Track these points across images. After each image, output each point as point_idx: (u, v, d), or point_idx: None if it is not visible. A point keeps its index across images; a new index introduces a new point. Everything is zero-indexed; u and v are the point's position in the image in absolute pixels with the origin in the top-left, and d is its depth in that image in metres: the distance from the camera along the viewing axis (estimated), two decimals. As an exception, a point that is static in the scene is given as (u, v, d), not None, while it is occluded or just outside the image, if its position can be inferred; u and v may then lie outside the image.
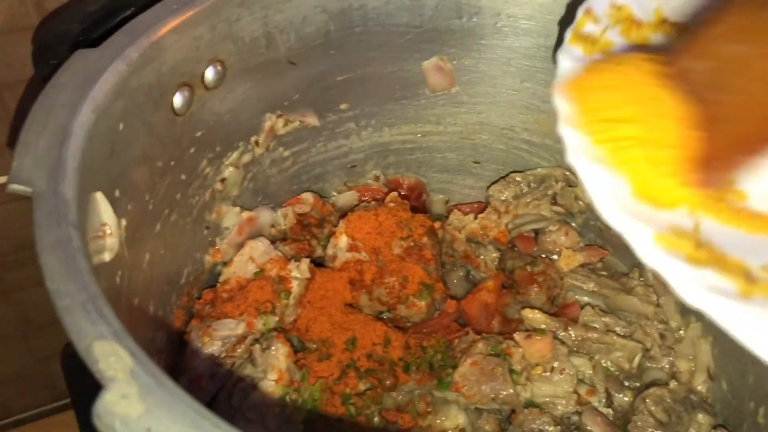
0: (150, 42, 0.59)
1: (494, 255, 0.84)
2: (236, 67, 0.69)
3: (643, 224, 0.44)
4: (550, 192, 0.84)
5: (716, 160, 0.48)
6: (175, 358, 0.72)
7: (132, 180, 0.59)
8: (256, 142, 0.76)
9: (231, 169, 0.74)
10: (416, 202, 0.91)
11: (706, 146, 0.48)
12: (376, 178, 0.89)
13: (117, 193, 0.56)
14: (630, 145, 0.48)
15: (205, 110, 0.68)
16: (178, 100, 0.64)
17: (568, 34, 0.57)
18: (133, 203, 0.59)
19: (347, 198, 0.87)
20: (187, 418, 0.35)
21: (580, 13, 0.56)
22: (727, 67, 0.48)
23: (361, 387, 0.71)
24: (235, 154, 0.75)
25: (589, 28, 0.57)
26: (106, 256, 0.52)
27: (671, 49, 0.53)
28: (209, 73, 0.67)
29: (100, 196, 0.52)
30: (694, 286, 0.41)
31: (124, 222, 0.57)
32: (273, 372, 0.67)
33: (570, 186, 0.84)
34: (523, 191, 0.85)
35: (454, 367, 0.74)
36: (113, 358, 0.37)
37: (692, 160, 0.48)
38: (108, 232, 0.53)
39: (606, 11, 0.59)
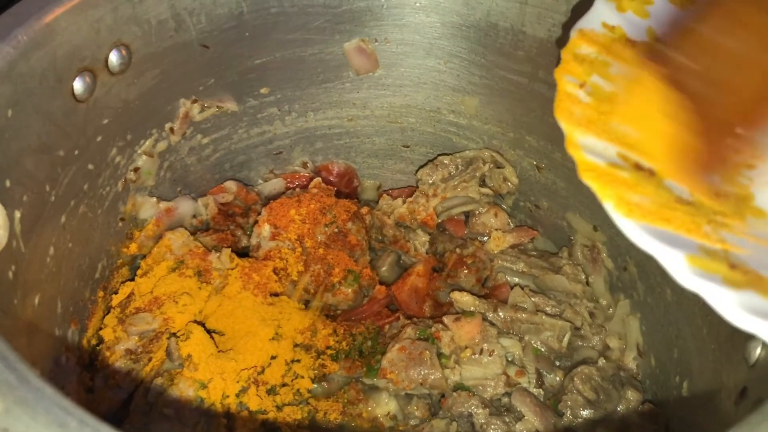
0: (41, 24, 0.56)
1: (424, 239, 0.83)
2: (143, 51, 0.66)
3: (674, 247, 0.43)
4: (478, 174, 0.83)
5: (716, 160, 0.50)
6: (92, 355, 0.69)
7: (27, 169, 0.56)
8: (171, 129, 0.74)
9: (144, 157, 0.72)
10: (347, 189, 0.89)
11: (705, 145, 0.50)
12: (305, 165, 0.87)
13: (8, 183, 0.53)
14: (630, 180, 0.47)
15: (111, 96, 0.65)
16: (78, 86, 0.61)
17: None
18: (29, 194, 0.56)
19: (273, 186, 0.85)
20: (50, 416, 0.33)
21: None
22: (718, 61, 0.51)
23: (287, 377, 0.69)
24: (148, 142, 0.72)
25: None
26: (-7, 250, 0.49)
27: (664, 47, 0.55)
28: (113, 58, 0.64)
29: (-17, 186, 0.49)
30: (740, 310, 0.40)
31: (18, 214, 0.54)
32: (190, 366, 0.65)
33: (498, 167, 0.83)
34: (452, 174, 0.84)
35: (384, 354, 0.73)
36: (-29, 355, 0.35)
37: (695, 166, 0.49)
38: (-5, 224, 0.50)
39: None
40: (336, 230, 0.76)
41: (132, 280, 0.73)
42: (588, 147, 0.47)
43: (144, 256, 0.75)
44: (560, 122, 0.49)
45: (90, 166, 0.65)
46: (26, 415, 0.33)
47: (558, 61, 0.54)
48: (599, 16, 0.56)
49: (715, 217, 0.46)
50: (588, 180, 0.45)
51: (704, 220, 0.45)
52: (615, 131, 0.49)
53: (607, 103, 0.51)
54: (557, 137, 0.56)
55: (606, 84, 0.53)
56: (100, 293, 0.71)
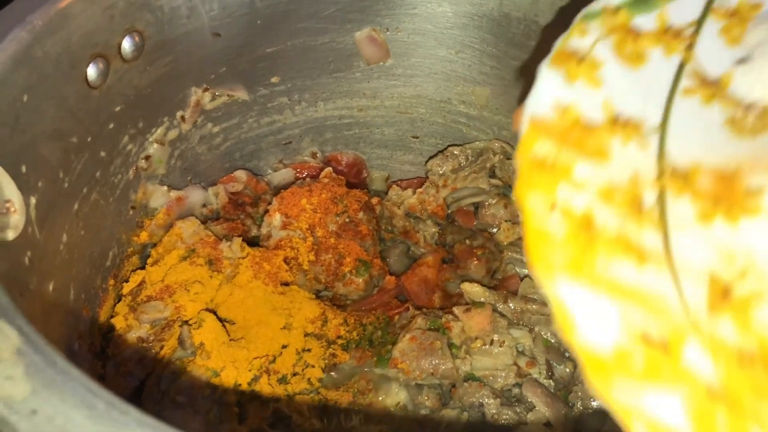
0: (56, 9, 0.56)
1: (433, 230, 0.83)
2: (156, 38, 0.66)
3: None
4: (488, 165, 0.82)
5: None
6: (103, 343, 0.69)
7: (42, 156, 0.56)
8: (182, 118, 0.73)
9: (156, 145, 0.72)
10: (356, 179, 0.89)
11: None
12: (314, 155, 0.87)
13: (23, 168, 0.53)
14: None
15: (124, 83, 0.64)
16: (92, 71, 0.61)
17: (556, 45, 0.51)
18: (44, 180, 0.56)
19: (283, 175, 0.85)
20: (77, 398, 0.33)
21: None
22: None
23: (298, 366, 0.69)
24: (159, 130, 0.72)
25: (577, 42, 0.51)
26: (9, 234, 0.49)
27: None
28: (126, 44, 0.63)
29: (0, 171, 0.49)
30: None
31: (33, 200, 0.54)
32: (203, 354, 0.65)
33: (508, 158, 0.83)
34: (461, 164, 0.83)
35: (394, 344, 0.73)
36: (-2, 337, 0.34)
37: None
38: (12, 209, 0.50)
39: (599, 17, 0.53)
40: (347, 220, 0.76)
41: (142, 268, 0.73)
42: (583, 321, 0.40)
43: (154, 245, 0.74)
44: (542, 282, 0.41)
45: (102, 154, 0.65)
46: (54, 396, 0.33)
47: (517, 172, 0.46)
48: (548, 93, 0.48)
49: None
50: (601, 392, 0.38)
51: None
52: (605, 277, 0.42)
53: (584, 233, 0.43)
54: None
55: (576, 199, 0.44)
56: (111, 281, 0.71)
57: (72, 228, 0.62)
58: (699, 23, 0.54)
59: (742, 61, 0.53)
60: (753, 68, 0.53)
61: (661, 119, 0.50)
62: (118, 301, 0.71)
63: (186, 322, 0.68)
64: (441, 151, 0.85)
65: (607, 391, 0.38)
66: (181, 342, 0.66)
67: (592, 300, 0.41)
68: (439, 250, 0.82)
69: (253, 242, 0.78)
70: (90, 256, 0.67)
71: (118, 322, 0.69)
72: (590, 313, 0.41)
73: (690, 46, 0.53)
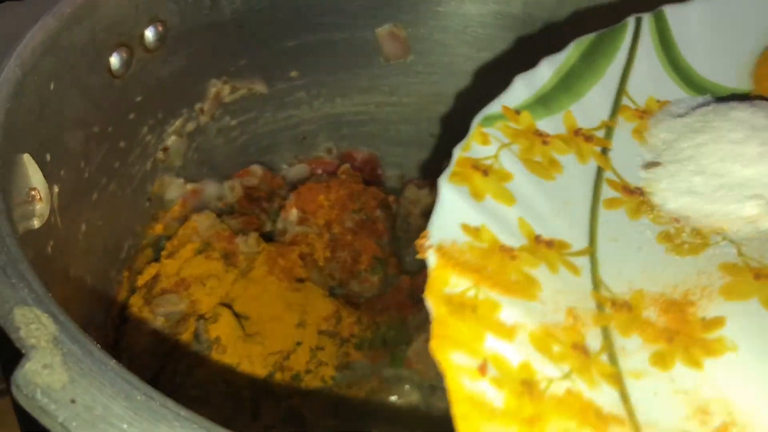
0: (83, -3, 0.55)
1: (449, 229, 0.82)
2: (178, 29, 0.65)
3: None
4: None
5: None
6: (117, 335, 0.68)
7: (65, 144, 0.55)
8: (201, 110, 0.73)
9: (174, 137, 0.71)
10: (370, 177, 0.88)
11: None
12: (329, 151, 0.86)
13: (48, 157, 0.52)
14: None
15: (146, 73, 0.64)
16: (115, 61, 0.60)
17: (454, 155, 0.44)
18: (66, 169, 0.55)
19: (298, 171, 0.84)
20: (116, 388, 0.32)
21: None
22: None
23: (312, 364, 0.69)
24: (178, 122, 0.71)
25: (478, 151, 0.44)
26: (35, 223, 0.48)
27: None
28: (149, 34, 0.63)
29: (28, 159, 0.48)
30: None
31: (56, 188, 0.53)
32: (218, 348, 0.65)
33: (526, 159, 0.82)
34: (479, 164, 0.83)
35: (408, 344, 0.72)
36: (35, 326, 0.34)
37: None
38: (37, 197, 0.49)
39: (499, 120, 0.46)
40: (364, 217, 0.76)
41: (156, 260, 0.72)
42: None
43: (169, 237, 0.74)
44: None
45: (122, 144, 0.65)
46: (92, 386, 0.32)
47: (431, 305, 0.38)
48: (454, 215, 0.41)
49: None
50: None
51: None
52: None
53: (527, 398, 0.34)
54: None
55: (510, 351, 0.36)
56: (125, 273, 0.70)
57: (91, 218, 0.61)
58: (609, 125, 0.50)
59: (652, 165, 0.49)
60: (662, 174, 0.48)
61: (588, 239, 0.43)
62: (132, 293, 0.70)
63: (202, 316, 0.67)
64: (458, 151, 0.84)
65: None
66: (196, 336, 0.66)
67: None
68: (454, 250, 0.82)
69: (267, 237, 0.77)
70: (106, 248, 0.66)
71: (133, 315, 0.68)
72: None
73: (605, 151, 0.48)
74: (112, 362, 0.34)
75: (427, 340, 0.71)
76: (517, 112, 0.48)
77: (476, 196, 0.42)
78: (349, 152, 0.87)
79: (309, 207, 0.75)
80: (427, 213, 0.83)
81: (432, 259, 0.39)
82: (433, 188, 0.84)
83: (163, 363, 0.66)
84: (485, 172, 0.43)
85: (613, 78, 0.52)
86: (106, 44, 0.58)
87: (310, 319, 0.71)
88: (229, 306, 0.69)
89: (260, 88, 0.77)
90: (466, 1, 0.75)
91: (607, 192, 0.46)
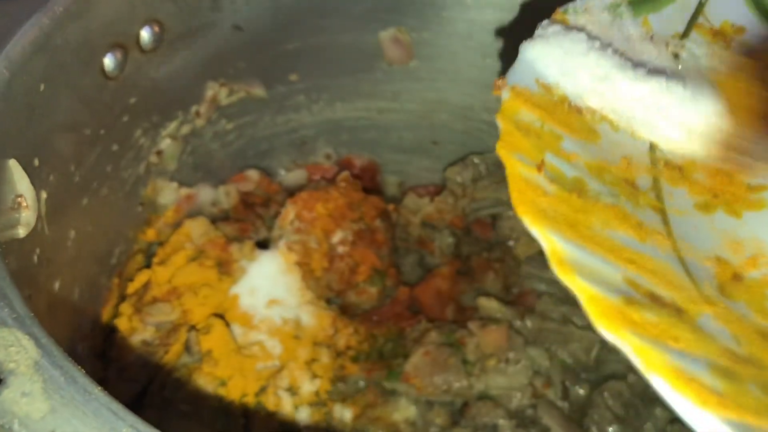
0: (77, -5, 0.53)
1: (450, 240, 0.80)
2: (176, 30, 0.63)
3: None
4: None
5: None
6: (105, 344, 0.66)
7: (55, 148, 0.53)
8: (197, 113, 0.70)
9: (168, 140, 0.69)
10: (370, 183, 0.86)
11: None
12: (328, 157, 0.84)
13: (36, 161, 0.50)
14: None
15: (140, 75, 0.62)
16: (109, 62, 0.58)
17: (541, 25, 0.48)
18: (55, 174, 0.53)
19: (296, 176, 0.82)
20: (100, 419, 0.30)
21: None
22: None
23: (306, 377, 0.67)
24: (173, 125, 0.69)
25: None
26: (21, 232, 0.46)
27: None
28: (145, 34, 0.61)
29: (14, 164, 0.46)
30: None
31: (44, 194, 0.51)
32: (210, 361, 0.62)
33: (529, 169, 0.80)
34: (482, 174, 0.81)
35: (406, 357, 0.70)
36: (15, 348, 0.32)
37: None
38: (24, 204, 0.47)
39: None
40: (363, 227, 0.74)
41: (147, 267, 0.70)
42: (583, 268, 0.35)
43: (161, 243, 0.72)
44: (529, 224, 0.36)
45: (114, 147, 0.62)
46: (75, 417, 0.30)
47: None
48: (532, 69, 0.45)
49: None
50: (610, 332, 0.33)
51: None
52: (603, 239, 0.37)
53: (576, 196, 0.39)
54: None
55: (565, 167, 0.40)
56: (115, 280, 0.68)
57: (80, 224, 0.59)
58: (684, 34, 0.53)
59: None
60: None
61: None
62: (122, 301, 0.68)
63: (193, 326, 0.65)
64: (461, 159, 0.82)
65: (620, 331, 0.34)
66: (187, 348, 0.64)
67: (590, 255, 0.36)
68: (455, 261, 0.80)
69: (263, 245, 0.75)
70: (96, 253, 0.64)
71: (122, 324, 0.66)
72: (589, 263, 0.35)
73: (676, 55, 0.51)
74: (97, 390, 0.31)
75: (425, 354, 0.70)
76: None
77: (553, 59, 0.46)
78: (348, 158, 0.85)
79: (307, 215, 0.73)
80: (426, 223, 0.81)
81: (506, 95, 0.43)
82: (433, 196, 0.83)
83: (153, 375, 0.63)
84: (567, 27, 0.48)
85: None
86: (100, 44, 0.56)
87: (305, 330, 0.69)
88: (221, 317, 0.66)
89: (259, 91, 0.74)
90: (472, 7, 0.73)
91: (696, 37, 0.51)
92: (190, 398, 0.62)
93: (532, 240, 0.80)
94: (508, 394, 0.70)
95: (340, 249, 0.72)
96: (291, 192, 0.80)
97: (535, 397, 0.70)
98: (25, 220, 0.46)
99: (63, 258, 0.56)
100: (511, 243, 0.81)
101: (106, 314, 0.67)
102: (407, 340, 0.73)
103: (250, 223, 0.76)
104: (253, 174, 0.79)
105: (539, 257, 0.80)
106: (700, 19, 0.54)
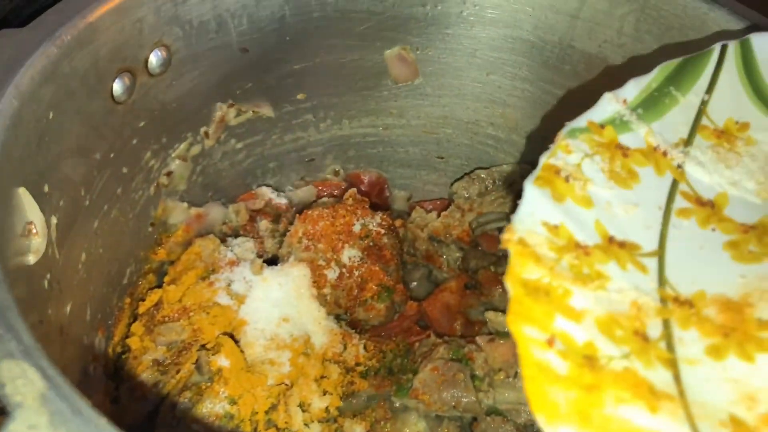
0: (85, 23, 0.54)
1: (457, 254, 0.80)
2: (183, 53, 0.64)
3: None
4: (515, 189, 0.80)
5: None
6: (117, 364, 0.67)
7: (64, 174, 0.54)
8: (206, 133, 0.71)
9: (178, 161, 0.70)
10: (377, 199, 0.87)
11: None
12: (336, 173, 0.85)
13: (46, 188, 0.51)
14: None
15: (149, 98, 0.63)
16: (118, 87, 0.59)
17: (540, 161, 0.47)
18: (65, 199, 0.54)
19: (304, 193, 0.83)
20: (105, 451, 0.31)
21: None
22: None
23: (316, 394, 0.67)
24: (182, 146, 0.70)
25: (562, 159, 0.48)
26: (31, 259, 0.47)
27: None
28: (153, 59, 0.62)
29: (23, 192, 0.47)
30: None
31: (54, 220, 0.52)
32: (220, 380, 0.63)
33: (536, 183, 0.81)
34: (488, 188, 0.81)
35: (414, 372, 0.70)
36: (21, 381, 0.32)
37: None
38: (33, 231, 0.48)
39: (584, 133, 0.50)
40: (371, 244, 0.74)
41: (159, 286, 0.71)
42: None
43: (172, 263, 0.72)
44: (545, 424, 0.38)
45: (124, 170, 0.63)
46: (81, 450, 0.31)
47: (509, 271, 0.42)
48: (536, 213, 0.45)
49: None
50: None
51: None
52: (617, 424, 0.38)
53: (588, 370, 0.39)
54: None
55: (576, 330, 0.41)
56: (127, 300, 0.69)
57: (91, 246, 0.60)
58: (688, 141, 0.53)
59: (734, 184, 0.52)
60: (749, 192, 0.52)
61: (658, 243, 0.48)
62: (134, 321, 0.69)
63: (204, 346, 0.66)
64: (467, 174, 0.83)
65: None
66: (198, 367, 0.64)
67: None
68: (462, 275, 0.80)
69: (272, 262, 0.75)
70: (107, 275, 0.65)
71: (134, 343, 0.67)
72: None
73: (681, 165, 0.52)
74: (103, 421, 0.32)
75: (433, 369, 0.70)
76: (602, 126, 0.52)
77: (558, 198, 0.46)
78: (356, 174, 0.86)
79: (315, 233, 0.74)
80: (434, 237, 0.82)
81: (513, 248, 0.44)
82: (440, 211, 0.83)
83: (164, 394, 0.64)
84: (567, 178, 0.48)
85: (694, 100, 0.55)
86: (108, 70, 0.57)
87: (314, 347, 0.69)
88: (231, 335, 0.67)
89: (266, 111, 0.75)
90: (476, 25, 0.73)
91: (680, 202, 0.50)
92: (201, 417, 0.62)
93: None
94: (516, 409, 0.70)
95: (348, 265, 0.73)
96: (301, 208, 0.80)
97: (544, 412, 0.70)
98: (35, 247, 0.47)
99: (74, 281, 0.57)
100: (519, 257, 0.81)
101: (118, 334, 0.68)
102: (416, 355, 0.73)
103: (259, 240, 0.77)
104: (263, 191, 0.80)
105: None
106: (704, 120, 0.54)
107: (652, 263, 0.46)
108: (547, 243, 0.44)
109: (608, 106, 0.53)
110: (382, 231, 0.75)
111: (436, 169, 0.86)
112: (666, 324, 0.43)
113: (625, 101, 0.53)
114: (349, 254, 0.73)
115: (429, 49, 0.76)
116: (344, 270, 0.73)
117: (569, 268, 0.43)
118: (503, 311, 0.74)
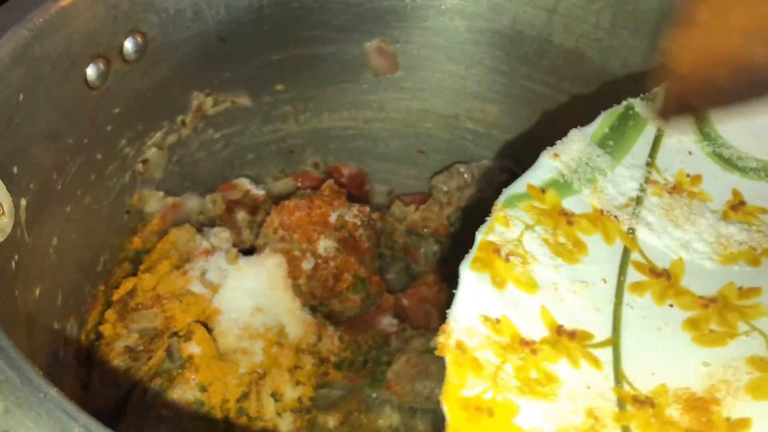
0: (58, 7, 0.54)
1: (435, 248, 0.81)
2: (159, 41, 0.64)
3: None
4: (494, 184, 0.81)
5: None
6: (89, 350, 0.67)
7: (35, 157, 0.54)
8: (183, 122, 0.71)
9: (154, 149, 0.70)
10: (358, 192, 0.87)
11: None
12: (316, 166, 0.85)
13: (15, 169, 0.51)
14: None
15: (124, 85, 0.63)
16: (92, 72, 0.59)
17: (477, 240, 0.43)
18: (35, 182, 0.54)
19: (283, 185, 0.83)
20: (53, 420, 0.31)
21: (497, 206, 0.42)
22: None
23: (289, 384, 0.67)
24: (158, 134, 0.70)
25: (501, 234, 0.44)
26: (-4, 238, 0.47)
27: None
28: (128, 45, 0.62)
29: (-10, 172, 0.47)
30: None
31: (23, 202, 0.52)
32: (191, 368, 0.63)
33: (514, 179, 0.81)
34: (467, 182, 0.82)
35: (389, 365, 0.71)
36: (-29, 352, 0.32)
37: None
38: (0, 212, 0.48)
39: (523, 201, 0.46)
40: (347, 235, 0.74)
41: (134, 275, 0.71)
42: None
43: (147, 251, 0.72)
44: None
45: (98, 156, 0.63)
46: (28, 418, 0.31)
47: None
48: (474, 304, 0.40)
49: None
50: None
51: None
52: None
53: None
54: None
55: None
56: (101, 287, 0.69)
57: (63, 231, 0.60)
58: (638, 201, 0.48)
59: (685, 246, 0.47)
60: (701, 256, 0.47)
61: (611, 329, 0.43)
62: (107, 308, 0.69)
63: (176, 333, 0.66)
64: (446, 168, 0.83)
65: None
66: (169, 354, 0.64)
67: None
68: (440, 269, 0.80)
69: (248, 252, 0.76)
70: (80, 261, 0.65)
71: (107, 330, 0.67)
72: None
73: (632, 230, 0.47)
74: (53, 391, 0.32)
75: (406, 361, 0.70)
76: (543, 190, 0.47)
77: (498, 284, 0.41)
78: (336, 167, 0.86)
79: (291, 223, 0.74)
80: (412, 231, 0.82)
81: (450, 355, 0.38)
82: (419, 205, 0.83)
83: (136, 380, 0.64)
84: (507, 257, 0.42)
85: (641, 151, 0.50)
86: (82, 55, 0.57)
87: (288, 338, 0.69)
88: (204, 324, 0.67)
89: (244, 101, 0.75)
90: (455, 18, 0.73)
91: (633, 275, 0.45)
92: (172, 404, 0.62)
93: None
94: (490, 402, 0.70)
95: (324, 256, 0.73)
96: (279, 200, 0.80)
97: (517, 405, 0.70)
98: (2, 226, 0.47)
99: (44, 265, 0.57)
100: (496, 251, 0.82)
101: (91, 321, 0.68)
102: (391, 347, 0.73)
103: (236, 231, 0.77)
104: (240, 182, 0.80)
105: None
106: (654, 175, 0.49)
107: (606, 355, 0.41)
108: (488, 343, 0.39)
109: (550, 163, 0.48)
110: (358, 222, 0.75)
111: (416, 163, 0.86)
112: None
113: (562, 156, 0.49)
114: (325, 245, 0.73)
115: (408, 42, 0.76)
116: (320, 261, 0.73)
117: (515, 373, 0.38)
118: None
